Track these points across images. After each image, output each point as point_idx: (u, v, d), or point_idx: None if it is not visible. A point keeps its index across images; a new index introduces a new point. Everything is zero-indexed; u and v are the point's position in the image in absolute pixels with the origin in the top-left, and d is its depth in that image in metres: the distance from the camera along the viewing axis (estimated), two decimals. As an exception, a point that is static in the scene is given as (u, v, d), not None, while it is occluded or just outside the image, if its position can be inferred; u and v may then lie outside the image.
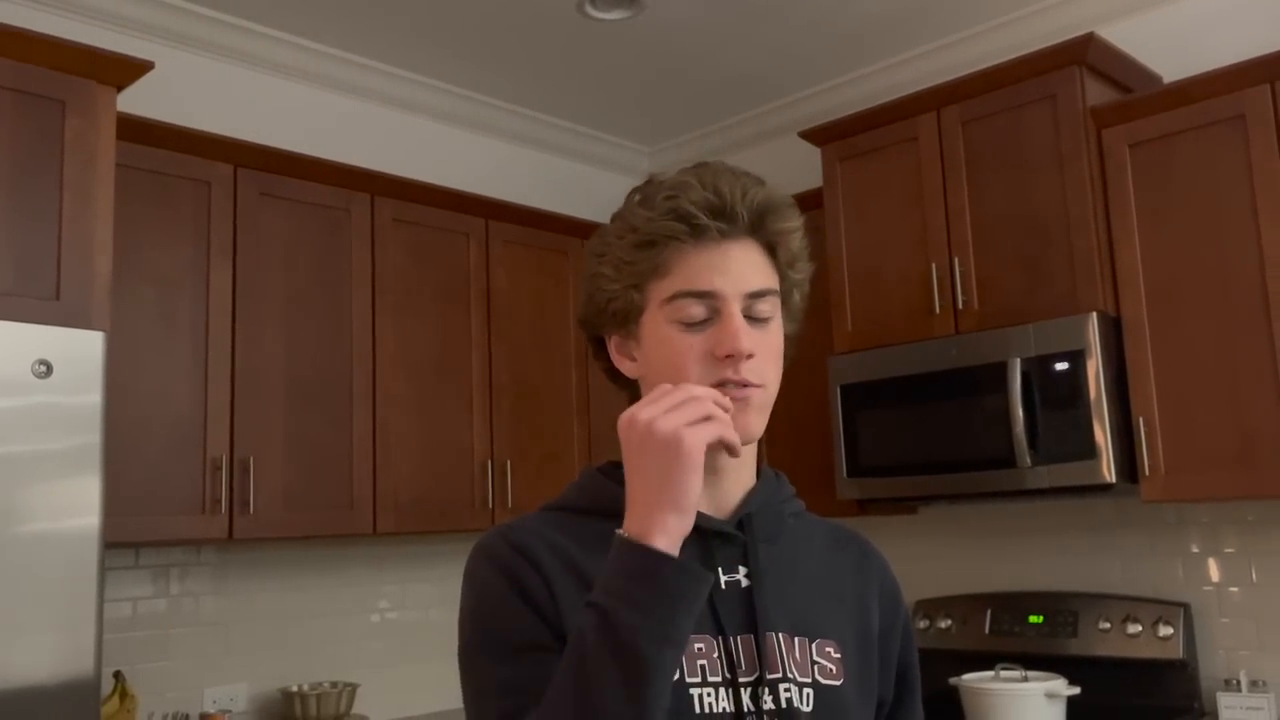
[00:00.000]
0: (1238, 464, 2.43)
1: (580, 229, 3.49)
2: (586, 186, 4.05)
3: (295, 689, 2.88)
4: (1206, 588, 2.78)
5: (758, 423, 1.02)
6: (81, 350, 2.02)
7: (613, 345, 1.08)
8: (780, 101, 3.78)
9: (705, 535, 1.01)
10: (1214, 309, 2.50)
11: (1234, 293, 2.47)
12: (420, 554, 3.32)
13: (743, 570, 1.02)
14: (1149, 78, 2.87)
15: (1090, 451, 2.55)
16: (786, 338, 1.07)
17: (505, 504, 3.13)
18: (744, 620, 0.99)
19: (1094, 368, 2.56)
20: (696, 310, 0.99)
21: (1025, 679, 2.58)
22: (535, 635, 0.94)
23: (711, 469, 1.02)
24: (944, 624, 3.11)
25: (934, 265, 2.90)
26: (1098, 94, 2.73)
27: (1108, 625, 2.81)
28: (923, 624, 3.16)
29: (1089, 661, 2.79)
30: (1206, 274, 2.51)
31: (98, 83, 2.23)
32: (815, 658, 1.01)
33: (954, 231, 2.88)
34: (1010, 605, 3.02)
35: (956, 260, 2.85)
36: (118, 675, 2.55)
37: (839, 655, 1.03)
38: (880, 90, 3.46)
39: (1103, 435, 2.54)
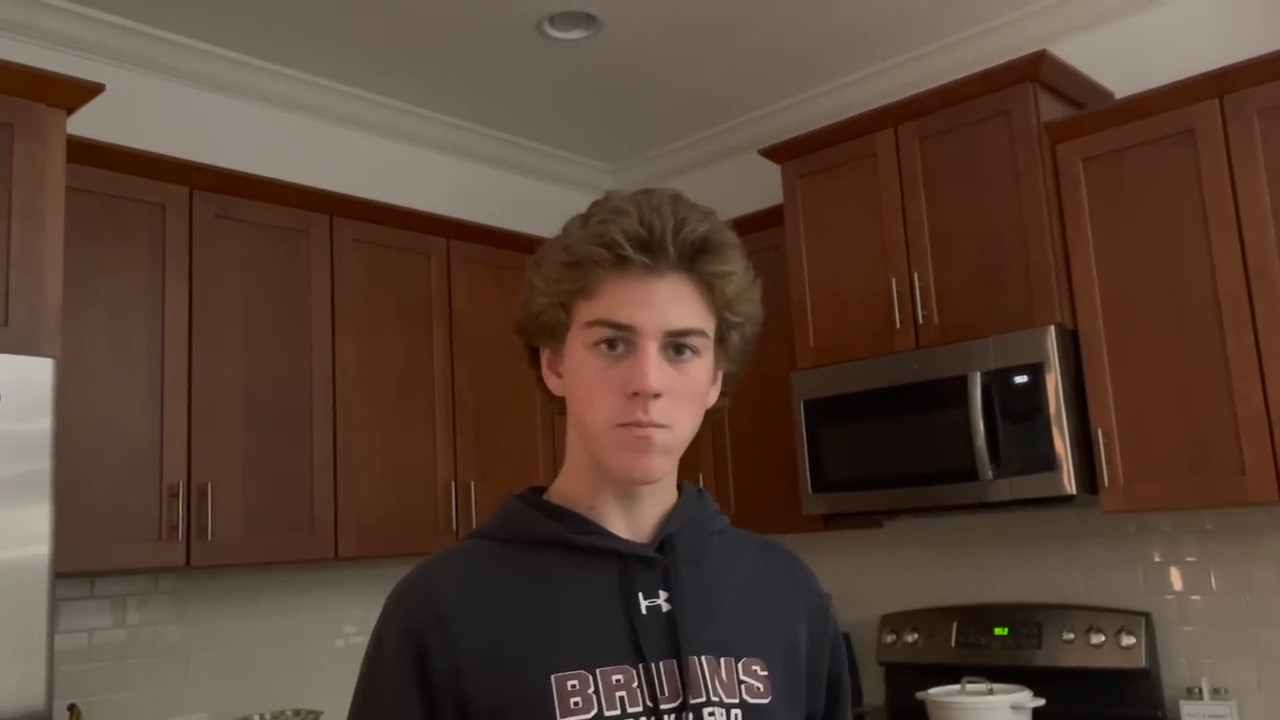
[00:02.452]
0: (1194, 473, 2.46)
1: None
2: (548, 205, 4.04)
3: (256, 717, 2.83)
4: (1168, 596, 2.80)
5: (660, 464, 0.99)
6: (31, 377, 1.98)
7: (544, 359, 1.07)
8: (740, 119, 3.80)
9: (625, 560, 1.01)
10: (1168, 320, 2.53)
11: (1187, 304, 2.51)
12: (385, 576, 3.27)
13: (664, 594, 1.01)
14: (1101, 93, 2.91)
15: (1050, 463, 2.57)
16: (727, 376, 1.07)
17: (469, 525, 3.10)
18: (667, 645, 0.98)
19: (1053, 380, 2.58)
20: (612, 340, 0.98)
21: (991, 692, 2.59)
22: None
23: (628, 494, 1.03)
24: (910, 638, 3.12)
25: (894, 280, 2.92)
26: (1051, 110, 2.77)
27: (1071, 636, 2.82)
28: (889, 638, 3.16)
29: (1054, 673, 2.81)
30: (1160, 286, 2.55)
31: (47, 105, 2.20)
32: (742, 677, 1.00)
33: (913, 247, 2.90)
34: (975, 618, 3.03)
35: (916, 275, 2.87)
36: (72, 708, 2.50)
37: (766, 673, 1.02)
38: (838, 108, 3.49)
39: (1063, 447, 2.56)
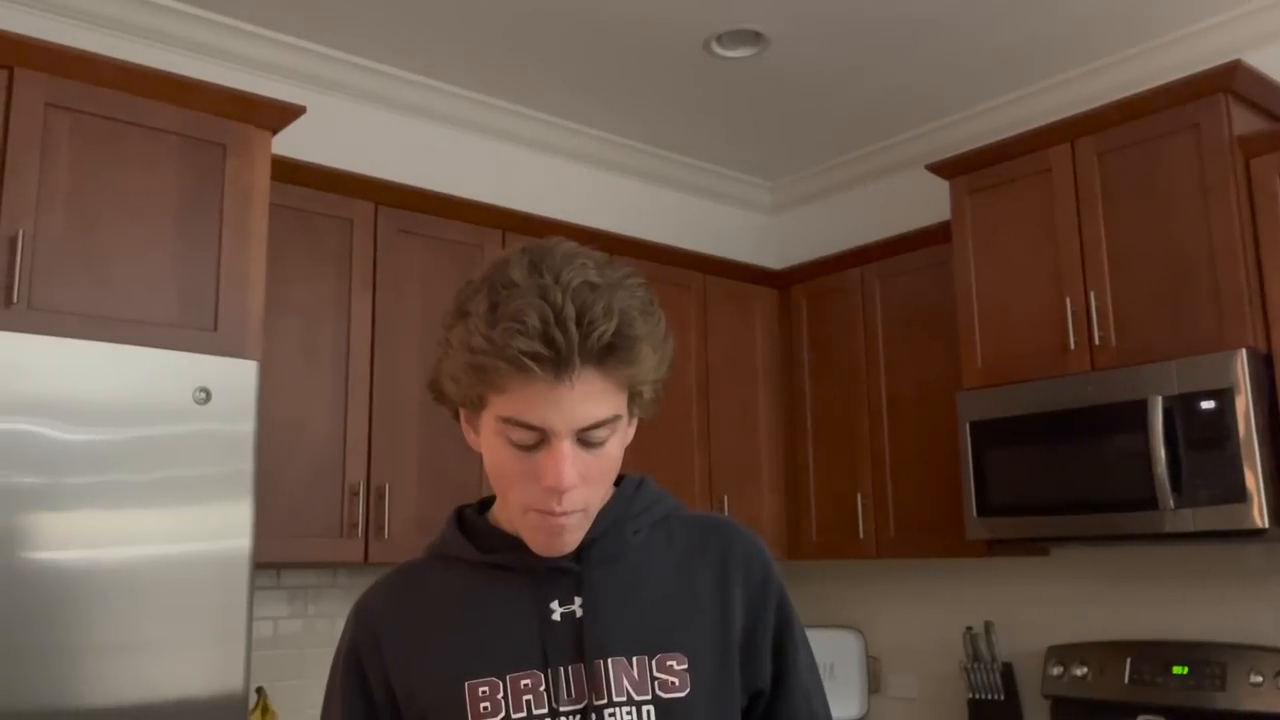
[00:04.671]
0: (1405, 511, 2.29)
1: (703, 264, 3.51)
2: (709, 221, 4.08)
3: (423, 712, 2.94)
4: (1369, 642, 2.62)
5: (575, 539, 1.04)
6: (237, 378, 2.14)
7: (463, 414, 1.08)
8: (906, 135, 3.75)
9: (537, 572, 1.06)
10: (1376, 346, 2.37)
11: (1399, 329, 2.34)
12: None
13: (579, 600, 1.05)
14: (1300, 105, 2.75)
15: (1240, 494, 2.43)
16: (644, 402, 1.06)
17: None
18: (574, 650, 1.03)
19: (1243, 406, 2.45)
20: (525, 437, 0.98)
21: (1170, 732, 2.46)
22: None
23: None
24: (1079, 671, 3.00)
25: (1069, 300, 2.82)
26: (1244, 123, 2.63)
27: (1259, 679, 2.66)
28: (1055, 670, 3.05)
29: (1238, 717, 2.65)
30: (1367, 309, 2.39)
31: (255, 126, 2.36)
32: (656, 673, 1.03)
33: (1089, 265, 2.80)
34: (1151, 654, 2.89)
35: (1093, 295, 2.77)
36: (260, 691, 2.66)
37: (684, 666, 1.04)
38: (1007, 123, 3.41)
39: (1253, 478, 2.42)
